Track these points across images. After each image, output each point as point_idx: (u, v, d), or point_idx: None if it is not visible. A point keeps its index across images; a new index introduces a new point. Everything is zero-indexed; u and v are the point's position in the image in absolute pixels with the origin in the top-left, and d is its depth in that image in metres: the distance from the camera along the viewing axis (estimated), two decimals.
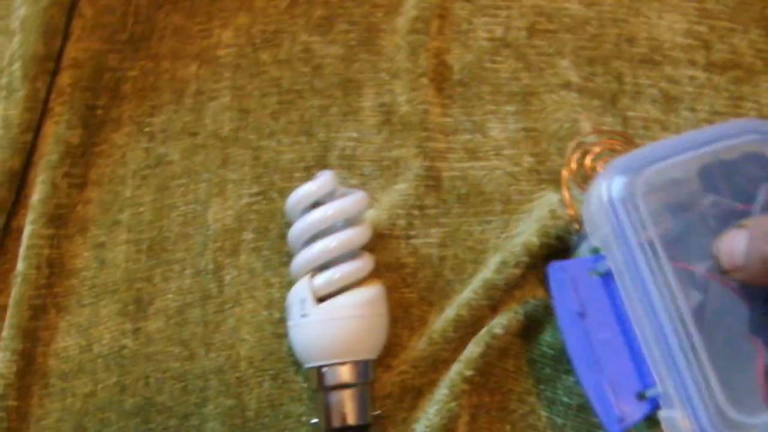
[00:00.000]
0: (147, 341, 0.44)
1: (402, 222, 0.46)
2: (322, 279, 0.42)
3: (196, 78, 0.50)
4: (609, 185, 0.40)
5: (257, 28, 0.51)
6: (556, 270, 0.43)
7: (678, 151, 0.41)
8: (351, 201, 0.43)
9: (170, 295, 0.45)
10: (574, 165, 0.47)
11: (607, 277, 0.42)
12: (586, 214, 0.42)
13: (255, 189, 0.47)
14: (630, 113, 0.50)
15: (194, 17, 0.51)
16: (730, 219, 0.40)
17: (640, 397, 0.40)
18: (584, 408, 0.44)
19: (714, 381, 0.37)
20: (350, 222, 0.43)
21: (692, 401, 0.37)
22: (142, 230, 0.47)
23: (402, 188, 0.47)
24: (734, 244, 0.36)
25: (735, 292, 0.39)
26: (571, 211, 0.46)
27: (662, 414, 0.39)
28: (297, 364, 0.44)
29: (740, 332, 0.39)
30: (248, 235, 0.46)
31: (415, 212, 0.46)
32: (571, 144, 0.48)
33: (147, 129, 0.49)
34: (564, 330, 0.42)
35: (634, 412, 0.40)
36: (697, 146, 0.41)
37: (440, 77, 0.50)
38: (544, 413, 0.44)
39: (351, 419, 0.41)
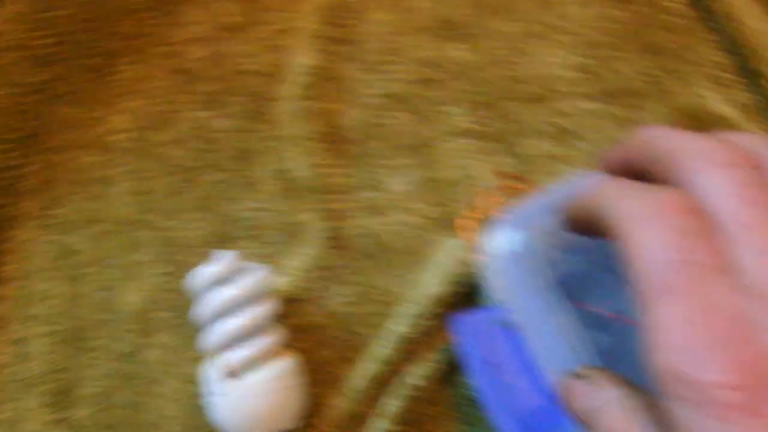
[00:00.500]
0: (76, 429, 0.54)
1: (311, 285, 0.57)
2: (234, 356, 0.51)
3: (95, 166, 0.60)
4: (501, 239, 0.48)
5: (149, 110, 0.62)
6: (460, 323, 0.50)
7: (566, 198, 0.46)
8: (256, 278, 0.51)
9: (94, 382, 0.55)
10: (472, 211, 0.58)
11: (510, 326, 0.48)
12: (482, 267, 0.48)
13: (164, 269, 0.57)
14: (529, 152, 0.62)
15: (85, 106, 0.62)
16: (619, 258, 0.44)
17: None
18: None
19: None
20: (257, 296, 0.52)
21: None
22: (59, 321, 0.56)
23: (308, 252, 0.57)
24: None
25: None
26: (475, 257, 0.56)
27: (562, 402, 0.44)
28: None
29: None
30: (164, 314, 0.56)
31: (324, 273, 0.57)
32: (470, 190, 0.59)
33: (52, 221, 0.59)
34: (477, 379, 0.49)
35: None
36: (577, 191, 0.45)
37: (335, 138, 0.61)
38: None
39: None
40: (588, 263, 0.48)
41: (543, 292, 0.46)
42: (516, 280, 0.47)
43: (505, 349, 0.50)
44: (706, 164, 0.34)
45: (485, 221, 0.58)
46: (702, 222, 0.32)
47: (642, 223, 0.33)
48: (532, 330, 0.47)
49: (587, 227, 0.40)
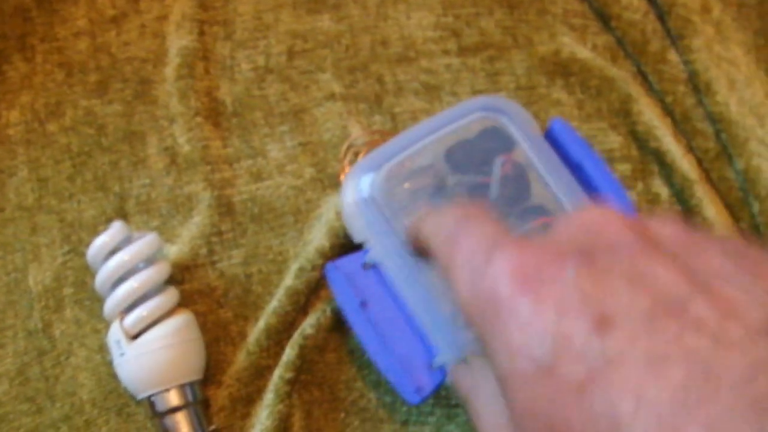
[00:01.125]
0: None
1: (204, 250, 0.61)
2: (131, 318, 0.55)
3: None
4: (356, 184, 0.52)
5: (40, 102, 0.66)
6: (331, 269, 0.54)
7: (416, 140, 0.53)
8: (143, 243, 0.55)
9: (8, 359, 0.59)
10: (348, 167, 0.62)
11: (378, 266, 0.53)
12: (343, 214, 0.53)
13: (66, 248, 0.61)
14: (396, 110, 0.66)
15: None
16: (476, 193, 0.52)
17: (432, 368, 0.51)
18: None
19: None
20: (149, 261, 0.56)
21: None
22: None
23: (198, 220, 0.62)
24: None
25: None
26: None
27: (449, 379, 0.48)
28: (135, 396, 0.56)
29: None
30: (68, 290, 0.60)
31: (214, 239, 0.62)
32: (342, 148, 0.63)
33: None
34: (350, 321, 0.53)
35: (429, 382, 0.51)
36: (433, 131, 0.53)
37: (214, 113, 0.66)
38: (372, 395, 0.58)
39: None
40: (439, 203, 0.53)
41: (398, 233, 0.51)
42: (372, 224, 0.52)
43: (373, 288, 0.54)
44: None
45: None
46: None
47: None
48: (392, 268, 0.52)
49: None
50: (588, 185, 0.55)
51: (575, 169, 0.55)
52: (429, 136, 0.54)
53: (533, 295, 0.34)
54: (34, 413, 0.59)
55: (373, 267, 0.53)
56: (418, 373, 0.52)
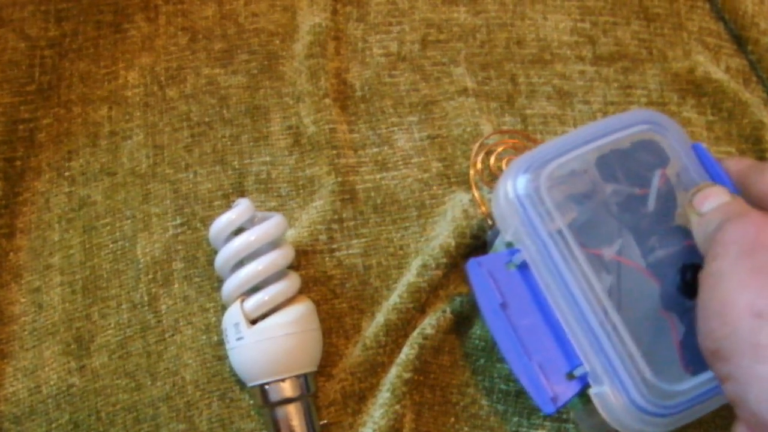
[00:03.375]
0: (93, 377, 0.56)
1: (323, 237, 0.60)
2: (253, 302, 0.53)
3: (108, 120, 0.63)
4: (514, 183, 0.51)
5: (161, 66, 0.64)
6: (474, 266, 0.52)
7: (575, 146, 0.52)
8: (271, 225, 0.54)
9: (110, 331, 0.57)
10: (479, 165, 0.61)
11: (523, 268, 0.52)
12: (496, 212, 0.52)
13: (178, 220, 0.60)
14: (528, 111, 0.65)
15: (99, 62, 0.64)
16: (630, 203, 0.51)
17: (570, 377, 0.50)
18: (523, 393, 0.56)
19: (636, 355, 0.46)
20: (273, 244, 0.54)
21: (619, 376, 0.46)
22: (75, 271, 0.59)
23: (319, 205, 0.60)
24: None
25: (643, 272, 0.49)
26: (482, 209, 0.59)
27: (592, 391, 0.48)
28: (242, 383, 0.55)
29: (653, 308, 0.49)
30: (178, 265, 0.59)
31: (335, 226, 0.60)
32: (475, 146, 0.61)
33: (67, 173, 0.62)
34: (489, 322, 0.52)
35: (566, 391, 0.50)
36: (593, 139, 0.53)
37: (342, 96, 0.64)
38: (485, 402, 0.57)
39: (299, 431, 0.54)
40: (592, 211, 0.51)
41: (552, 234, 0.51)
42: (527, 223, 0.51)
43: (516, 290, 0.53)
44: None
45: (491, 174, 0.62)
46: None
47: None
48: (543, 269, 0.51)
49: None
50: None
51: None
52: (588, 144, 0.53)
53: None
54: (132, 390, 0.58)
55: (517, 268, 0.53)
56: (554, 381, 0.51)
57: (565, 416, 0.57)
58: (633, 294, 0.50)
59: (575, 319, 0.49)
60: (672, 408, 0.47)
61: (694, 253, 0.48)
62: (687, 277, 0.49)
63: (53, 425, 0.57)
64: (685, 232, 0.51)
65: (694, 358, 0.47)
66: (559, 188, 0.52)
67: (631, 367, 0.47)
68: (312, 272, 0.60)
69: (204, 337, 0.58)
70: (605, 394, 0.48)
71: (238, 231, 0.55)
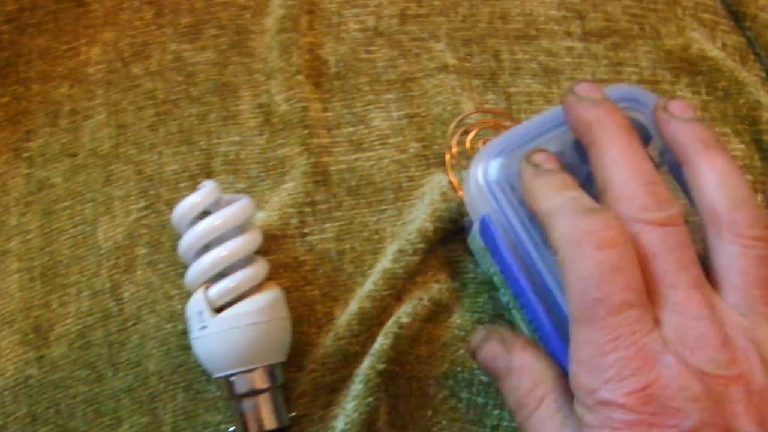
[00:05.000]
0: (52, 368, 0.55)
1: (294, 221, 0.58)
2: (217, 289, 0.52)
3: (69, 98, 0.61)
4: (485, 168, 0.50)
5: (125, 41, 0.63)
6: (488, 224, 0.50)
7: (551, 127, 0.51)
8: (237, 208, 0.52)
9: (70, 319, 0.56)
10: (455, 148, 0.60)
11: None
12: (467, 199, 0.51)
13: (142, 203, 0.58)
14: (512, 89, 0.63)
15: (60, 37, 0.63)
16: None
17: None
18: None
19: None
20: (240, 228, 0.53)
21: None
22: (33, 257, 0.57)
23: (290, 187, 0.59)
24: None
25: None
26: (460, 193, 0.58)
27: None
28: (208, 373, 0.54)
29: None
30: (141, 250, 0.57)
31: (307, 209, 0.59)
32: (450, 126, 0.60)
33: (25, 155, 0.60)
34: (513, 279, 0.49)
35: None
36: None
37: (316, 73, 0.63)
38: (464, 395, 0.55)
39: (268, 424, 0.52)
40: None
41: (524, 221, 0.50)
42: (498, 210, 0.50)
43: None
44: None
45: (467, 156, 0.60)
46: (619, 253, 0.41)
47: (570, 256, 0.41)
48: (516, 258, 0.50)
49: None
50: None
51: None
52: (565, 125, 0.52)
53: None
54: (93, 381, 0.56)
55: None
56: None
57: None
58: None
59: (552, 311, 0.48)
60: None
61: None
62: None
63: (10, 418, 0.55)
64: None
65: None
66: None
67: None
68: (282, 258, 0.59)
69: (168, 325, 0.57)
70: None
71: (204, 215, 0.53)
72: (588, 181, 0.50)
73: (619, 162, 0.45)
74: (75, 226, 0.60)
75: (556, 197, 0.45)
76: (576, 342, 0.41)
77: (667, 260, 0.41)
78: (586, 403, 0.40)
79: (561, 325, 0.47)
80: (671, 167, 0.51)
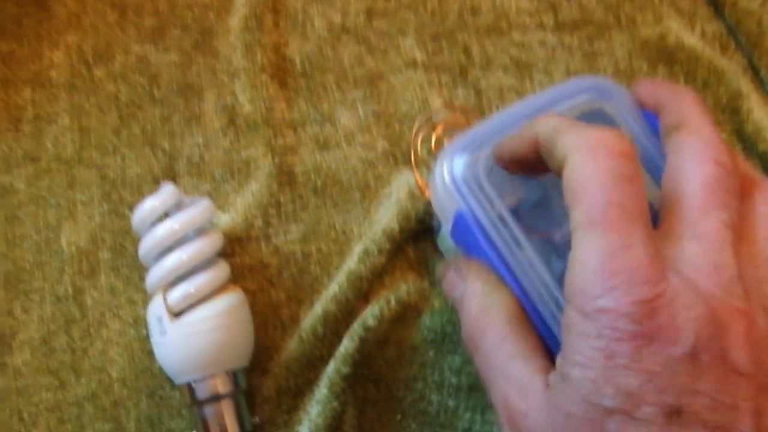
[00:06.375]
0: (15, 375, 0.55)
1: (259, 222, 0.58)
2: (176, 294, 0.52)
3: (32, 103, 0.62)
4: (450, 166, 0.49)
5: (88, 44, 0.63)
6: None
7: (517, 121, 0.50)
8: (196, 211, 0.53)
9: (33, 326, 0.56)
10: (420, 145, 0.60)
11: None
12: (433, 200, 0.50)
13: (105, 207, 0.59)
14: (482, 84, 0.63)
15: (22, 41, 0.63)
16: None
17: None
18: (476, 387, 0.55)
19: None
20: (200, 231, 0.53)
21: None
22: None
23: (255, 188, 0.59)
24: None
25: None
26: (426, 194, 0.57)
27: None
28: (171, 379, 0.54)
29: None
30: (105, 255, 0.58)
31: (272, 211, 0.59)
32: (415, 125, 0.60)
33: None
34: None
35: None
36: (535, 112, 0.50)
37: (281, 72, 0.63)
38: (434, 397, 0.55)
39: (230, 430, 0.52)
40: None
41: (494, 220, 0.49)
42: (466, 210, 0.49)
43: None
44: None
45: (434, 155, 0.60)
46: (633, 165, 0.39)
47: (583, 160, 0.39)
48: (487, 258, 0.49)
49: (523, 164, 0.46)
50: None
51: None
52: (530, 117, 0.50)
53: None
54: (56, 388, 0.56)
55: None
56: None
57: None
58: None
59: (528, 312, 0.47)
60: None
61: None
62: None
63: None
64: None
65: None
66: (501, 170, 0.49)
67: None
68: (247, 260, 0.59)
69: (132, 331, 0.57)
70: None
71: (165, 218, 0.54)
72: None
73: None
74: (38, 232, 0.60)
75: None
76: (581, 247, 0.39)
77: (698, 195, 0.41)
78: (585, 310, 0.38)
79: (542, 317, 0.46)
80: (642, 158, 0.50)
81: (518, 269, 0.47)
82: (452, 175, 0.50)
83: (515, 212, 0.48)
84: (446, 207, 0.50)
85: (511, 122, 0.51)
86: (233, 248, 0.58)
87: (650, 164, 0.50)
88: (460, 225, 0.49)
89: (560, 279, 0.44)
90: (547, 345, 0.46)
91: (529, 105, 0.52)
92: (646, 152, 0.50)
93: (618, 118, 0.51)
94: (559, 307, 0.45)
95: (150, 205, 0.54)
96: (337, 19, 0.66)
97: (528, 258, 0.47)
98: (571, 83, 0.52)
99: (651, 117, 0.51)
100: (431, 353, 0.57)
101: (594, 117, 0.52)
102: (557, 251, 0.48)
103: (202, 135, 0.62)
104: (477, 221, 0.48)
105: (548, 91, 0.53)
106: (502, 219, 0.48)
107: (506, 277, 0.47)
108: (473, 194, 0.49)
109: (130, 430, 0.55)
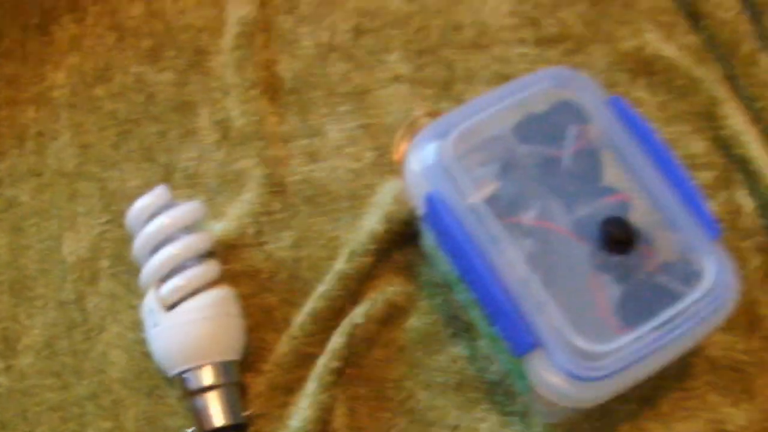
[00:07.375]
0: (20, 377, 0.58)
1: (251, 230, 0.61)
2: (168, 287, 0.54)
3: (35, 121, 0.65)
4: (420, 153, 0.51)
5: (88, 65, 0.66)
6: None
7: (483, 109, 0.52)
8: (186, 209, 0.55)
9: (36, 330, 0.59)
10: (402, 149, 0.61)
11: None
12: (407, 187, 0.52)
13: (105, 218, 0.62)
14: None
15: (26, 64, 0.67)
16: (548, 165, 0.52)
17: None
18: (463, 385, 0.57)
19: (562, 321, 0.46)
20: (190, 229, 0.55)
21: (544, 342, 0.47)
22: (1, 272, 0.61)
23: (247, 198, 0.62)
24: None
25: (569, 234, 0.50)
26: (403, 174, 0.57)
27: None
28: (169, 379, 0.56)
29: (581, 270, 0.49)
30: (104, 263, 0.60)
31: (263, 219, 0.61)
32: (399, 131, 0.62)
33: None
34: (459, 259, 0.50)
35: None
36: (502, 100, 0.53)
37: (272, 88, 0.66)
38: (423, 396, 0.57)
39: (220, 420, 0.54)
40: (511, 176, 0.52)
41: (464, 207, 0.50)
42: (436, 191, 0.51)
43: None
44: None
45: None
46: None
47: None
48: (458, 242, 0.50)
49: None
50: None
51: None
52: (497, 105, 0.53)
53: None
54: (59, 389, 0.59)
55: None
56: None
57: (508, 408, 0.58)
58: (560, 257, 0.50)
59: (501, 294, 0.49)
60: (604, 370, 0.46)
61: (618, 209, 0.49)
62: (609, 232, 0.49)
63: None
64: (611, 190, 0.52)
65: (627, 316, 0.48)
66: (473, 157, 0.52)
67: (554, 332, 0.47)
68: (240, 266, 0.61)
69: (131, 334, 0.60)
70: (534, 362, 0.48)
71: (155, 216, 0.56)
72: (527, 163, 0.52)
73: None
74: (41, 242, 0.63)
75: None
76: None
77: None
78: None
79: (512, 296, 0.48)
80: (614, 149, 0.52)
81: (490, 252, 0.49)
82: (423, 162, 0.52)
83: (490, 199, 0.50)
84: (418, 192, 0.52)
85: (480, 109, 0.53)
86: (227, 255, 0.61)
87: (618, 153, 0.52)
88: (430, 207, 0.51)
89: (532, 258, 0.48)
90: (514, 323, 0.48)
91: (497, 93, 0.54)
92: (613, 140, 0.52)
93: (587, 109, 0.53)
94: (529, 287, 0.48)
95: (142, 203, 0.56)
96: (325, 37, 0.69)
97: (496, 239, 0.49)
98: (538, 73, 0.55)
99: (617, 104, 0.54)
100: (419, 354, 0.59)
101: (563, 108, 0.54)
102: (526, 234, 0.50)
103: (196, 148, 0.65)
104: (444, 202, 0.50)
105: (514, 81, 0.55)
106: (472, 204, 0.50)
107: (474, 255, 0.49)
108: (442, 177, 0.51)
109: (129, 427, 0.58)
